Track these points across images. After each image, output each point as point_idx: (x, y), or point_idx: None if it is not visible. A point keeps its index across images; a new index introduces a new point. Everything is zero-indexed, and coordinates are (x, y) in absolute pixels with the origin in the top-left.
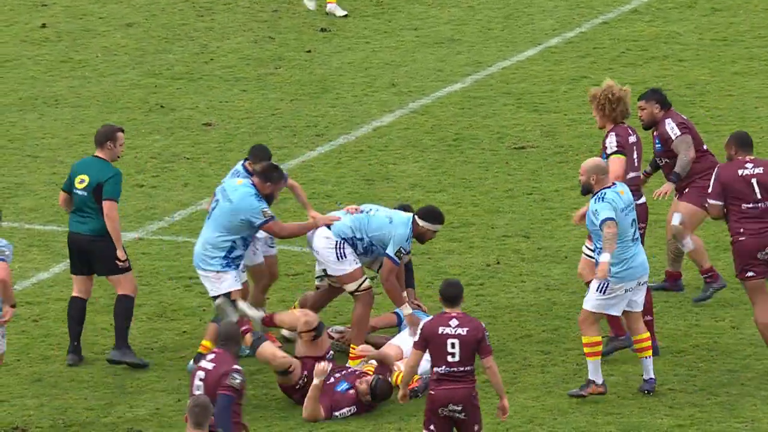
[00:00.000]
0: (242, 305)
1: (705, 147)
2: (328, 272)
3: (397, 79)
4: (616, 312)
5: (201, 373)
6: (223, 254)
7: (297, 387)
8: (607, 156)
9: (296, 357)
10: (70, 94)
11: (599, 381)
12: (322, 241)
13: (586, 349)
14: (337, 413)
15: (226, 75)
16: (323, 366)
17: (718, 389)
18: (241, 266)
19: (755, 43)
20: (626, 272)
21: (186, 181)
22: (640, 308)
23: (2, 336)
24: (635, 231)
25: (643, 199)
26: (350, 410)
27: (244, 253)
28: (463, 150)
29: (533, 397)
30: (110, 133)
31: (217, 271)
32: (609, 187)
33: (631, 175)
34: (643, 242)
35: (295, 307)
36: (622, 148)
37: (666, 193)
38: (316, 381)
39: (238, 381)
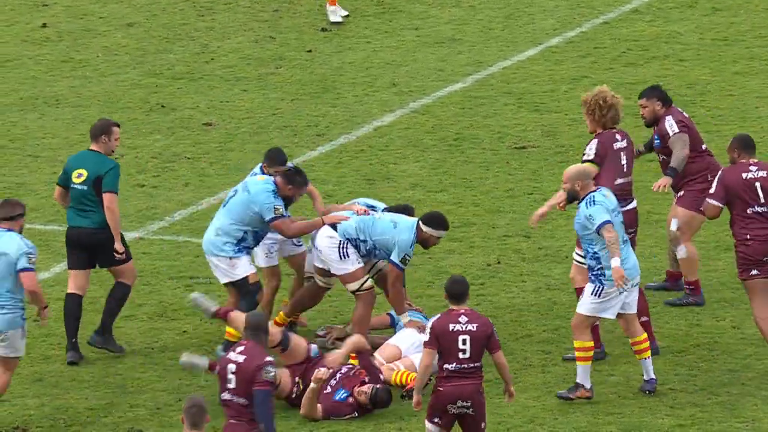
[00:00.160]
0: (196, 297)
1: (704, 147)
2: (331, 271)
3: (397, 79)
4: (610, 315)
5: (232, 366)
6: (234, 241)
7: (294, 395)
8: (582, 161)
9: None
10: (70, 93)
11: (588, 386)
12: (326, 240)
13: (577, 354)
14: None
15: (227, 75)
16: (322, 373)
17: (719, 389)
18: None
19: (756, 43)
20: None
21: (187, 180)
22: (634, 310)
23: (22, 337)
24: (624, 233)
25: (633, 204)
26: (349, 416)
27: (253, 246)
28: (463, 150)
29: (534, 396)
30: (105, 126)
31: (230, 257)
32: (594, 191)
33: (620, 181)
34: (634, 246)
35: (286, 303)
36: (599, 158)
37: (665, 186)
38: (313, 385)
39: (272, 374)
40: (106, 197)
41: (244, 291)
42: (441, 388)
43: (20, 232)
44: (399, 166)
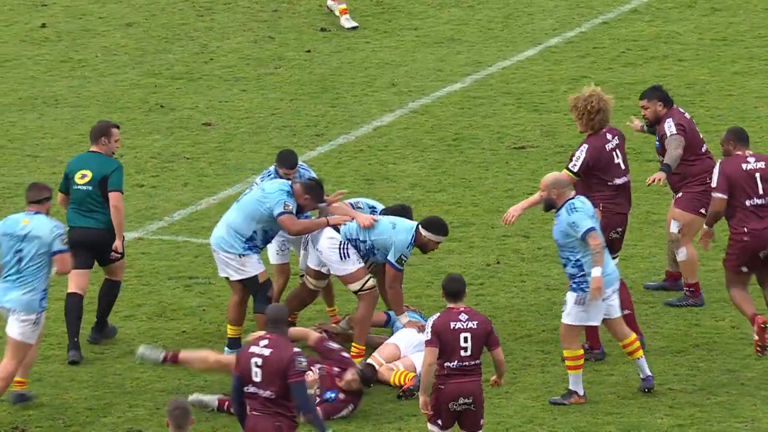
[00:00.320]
0: (143, 351)
1: (704, 149)
2: (332, 272)
3: (396, 79)
4: (596, 322)
5: (257, 360)
6: (244, 239)
7: None
8: (566, 167)
9: None
10: (69, 93)
11: (581, 392)
12: (327, 241)
13: (568, 362)
14: (335, 417)
15: (226, 75)
16: (311, 377)
17: (718, 389)
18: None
19: (755, 43)
20: (604, 280)
21: (186, 180)
22: (618, 313)
23: (36, 323)
24: (603, 240)
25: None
26: (348, 410)
27: (262, 246)
28: (462, 150)
29: (533, 396)
30: (105, 128)
31: (240, 255)
32: (572, 198)
33: (620, 181)
34: (620, 247)
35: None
36: (584, 170)
37: (659, 179)
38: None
39: (304, 364)
40: (113, 196)
41: (256, 288)
42: (443, 386)
43: (47, 215)
44: (398, 166)
